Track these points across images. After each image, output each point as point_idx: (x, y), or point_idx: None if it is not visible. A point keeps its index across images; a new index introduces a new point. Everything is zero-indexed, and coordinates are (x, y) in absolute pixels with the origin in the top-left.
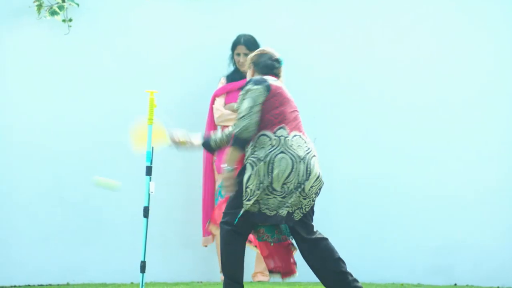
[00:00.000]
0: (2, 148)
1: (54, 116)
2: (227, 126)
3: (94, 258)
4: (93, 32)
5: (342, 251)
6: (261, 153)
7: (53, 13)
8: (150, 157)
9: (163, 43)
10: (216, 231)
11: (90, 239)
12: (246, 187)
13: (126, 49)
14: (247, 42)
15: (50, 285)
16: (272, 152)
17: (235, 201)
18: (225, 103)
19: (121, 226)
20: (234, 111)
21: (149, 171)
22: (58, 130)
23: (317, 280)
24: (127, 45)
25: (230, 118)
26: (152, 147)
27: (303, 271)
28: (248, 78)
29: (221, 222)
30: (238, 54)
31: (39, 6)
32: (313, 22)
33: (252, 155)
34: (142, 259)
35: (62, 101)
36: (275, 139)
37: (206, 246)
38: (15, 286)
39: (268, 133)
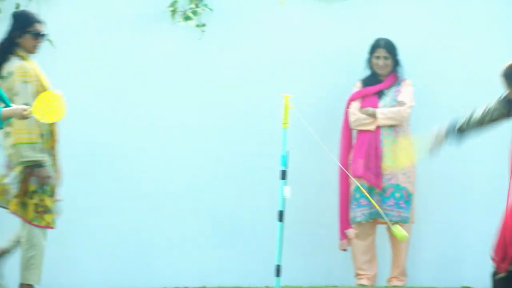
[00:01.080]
0: (140, 150)
1: (188, 119)
2: (363, 131)
3: (229, 262)
4: (226, 36)
5: None
6: None
7: (187, 18)
8: (285, 161)
9: (297, 47)
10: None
11: (226, 242)
12: None
13: (259, 53)
14: (387, 45)
15: (186, 287)
16: None
17: None
18: (361, 107)
19: (256, 229)
20: (370, 115)
21: (283, 175)
22: (192, 134)
23: None
24: (260, 49)
25: (365, 123)
26: (287, 151)
27: None
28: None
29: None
30: (378, 57)
31: (173, 12)
32: (447, 22)
33: None
34: (277, 263)
35: (197, 105)
36: None
37: (345, 250)
38: None
39: None
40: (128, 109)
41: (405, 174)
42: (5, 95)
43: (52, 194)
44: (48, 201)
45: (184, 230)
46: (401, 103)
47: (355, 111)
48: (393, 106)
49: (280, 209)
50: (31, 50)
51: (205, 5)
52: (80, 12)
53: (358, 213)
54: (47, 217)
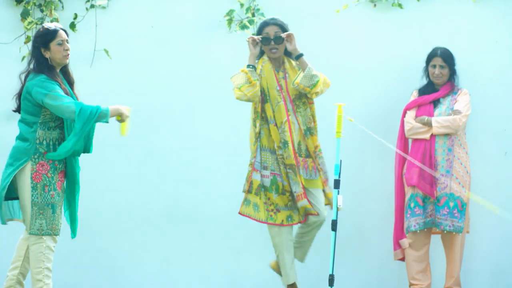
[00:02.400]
0: (200, 156)
1: (244, 126)
2: (418, 140)
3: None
4: None
5: None
6: None
7: (243, 27)
8: (338, 170)
9: (353, 56)
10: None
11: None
12: None
13: (315, 61)
14: (443, 55)
15: None
16: None
17: None
18: (416, 116)
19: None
20: (425, 124)
21: (337, 184)
22: (244, 143)
23: None
24: (316, 58)
25: (420, 131)
26: (340, 160)
27: None
28: None
29: None
30: (434, 66)
31: (230, 21)
32: (505, 31)
33: None
34: (331, 273)
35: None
36: None
37: (402, 260)
38: None
39: None
40: (186, 116)
41: (460, 183)
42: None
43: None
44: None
45: (238, 242)
46: (456, 112)
47: (410, 120)
48: (448, 115)
49: (333, 218)
50: None
51: (262, 14)
52: (137, 22)
53: (412, 222)
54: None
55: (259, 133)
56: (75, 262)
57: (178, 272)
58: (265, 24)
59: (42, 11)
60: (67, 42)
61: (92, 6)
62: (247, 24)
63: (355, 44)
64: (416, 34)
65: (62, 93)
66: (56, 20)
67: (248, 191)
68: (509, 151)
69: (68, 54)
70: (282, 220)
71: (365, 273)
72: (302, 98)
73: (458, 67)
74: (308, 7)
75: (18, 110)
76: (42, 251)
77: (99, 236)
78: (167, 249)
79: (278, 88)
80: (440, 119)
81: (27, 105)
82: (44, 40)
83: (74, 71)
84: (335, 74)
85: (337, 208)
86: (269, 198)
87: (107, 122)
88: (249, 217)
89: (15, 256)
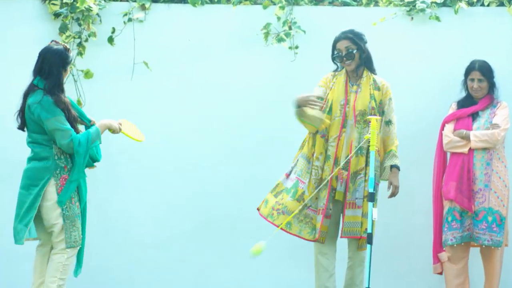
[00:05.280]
0: (230, 172)
1: (284, 139)
2: (456, 153)
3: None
4: (319, 58)
5: None
6: None
7: (280, 40)
8: (373, 183)
9: (391, 68)
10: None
11: (305, 263)
12: None
13: None
14: (482, 68)
15: None
16: None
17: None
18: (454, 129)
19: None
20: (463, 137)
21: (371, 197)
22: (284, 152)
23: None
24: None
25: (459, 145)
26: (375, 173)
27: None
28: None
29: None
30: (472, 80)
31: (267, 34)
32: None
33: None
34: (367, 286)
35: (290, 124)
36: None
37: (440, 273)
38: None
39: None
40: (222, 128)
41: (498, 197)
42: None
43: None
44: None
45: (265, 251)
46: (495, 126)
47: (449, 133)
48: (487, 128)
49: (369, 231)
50: None
51: (298, 27)
52: (174, 34)
53: (449, 236)
54: None
55: (306, 140)
56: (113, 276)
57: (213, 285)
58: (336, 40)
59: (80, 25)
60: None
61: (130, 19)
62: (284, 37)
63: (392, 57)
64: (454, 47)
65: (65, 123)
66: (94, 34)
67: (271, 192)
68: None
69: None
70: (281, 223)
71: (404, 287)
72: (365, 116)
73: (498, 79)
74: (345, 19)
75: (22, 127)
76: (63, 261)
77: (137, 249)
78: (203, 262)
79: (342, 102)
80: (478, 133)
81: (34, 126)
82: (67, 60)
83: (114, 84)
84: None
85: (372, 221)
86: (282, 198)
87: (100, 142)
88: (258, 209)
89: (36, 275)
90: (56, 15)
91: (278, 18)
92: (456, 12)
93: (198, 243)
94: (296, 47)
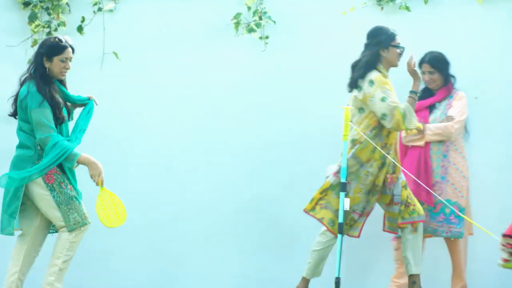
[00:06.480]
0: (210, 163)
1: (252, 130)
2: (413, 146)
3: (287, 274)
4: (289, 48)
5: None
6: None
7: (250, 30)
8: (345, 173)
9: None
10: None
11: (284, 254)
12: None
13: (321, 65)
14: (431, 60)
15: None
16: None
17: None
18: None
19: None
20: (419, 131)
21: (343, 187)
22: (256, 146)
23: None
24: (322, 62)
25: (415, 138)
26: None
27: None
28: None
29: None
30: (424, 72)
31: (237, 24)
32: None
33: None
34: (337, 275)
35: (259, 115)
36: None
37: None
38: None
39: None
40: (191, 120)
41: (456, 189)
42: None
43: None
44: None
45: (245, 242)
46: (449, 118)
47: None
48: (443, 120)
49: (340, 221)
50: None
51: (269, 18)
52: (144, 25)
53: None
54: None
55: (361, 143)
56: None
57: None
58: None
59: (49, 14)
60: (70, 61)
61: (100, 9)
62: (254, 27)
63: (362, 46)
64: (424, 36)
65: (49, 118)
66: (63, 23)
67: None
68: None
69: (66, 72)
70: (323, 217)
71: (371, 275)
72: None
73: (466, 70)
74: (314, 9)
75: (14, 114)
76: (70, 239)
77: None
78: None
79: None
80: (432, 126)
81: (22, 113)
82: (51, 51)
83: (84, 74)
84: (341, 76)
85: (344, 211)
86: (326, 194)
87: (71, 166)
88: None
89: (12, 263)
90: (26, 4)
91: (249, 8)
92: (425, 1)
93: (261, 238)
94: (267, 37)
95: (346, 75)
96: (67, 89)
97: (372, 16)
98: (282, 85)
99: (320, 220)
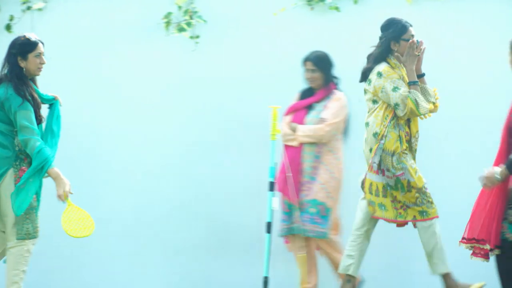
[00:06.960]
0: (134, 160)
1: (182, 130)
2: (289, 146)
3: (220, 273)
4: (220, 48)
5: None
6: None
7: (181, 29)
8: (273, 172)
9: (290, 58)
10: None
11: (217, 254)
12: None
13: (252, 64)
14: (315, 58)
15: None
16: None
17: None
18: (292, 122)
19: (246, 241)
20: (294, 131)
21: (272, 186)
22: (184, 144)
23: None
24: (253, 61)
25: (290, 138)
26: (275, 163)
27: None
28: None
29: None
30: (306, 70)
31: (168, 23)
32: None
33: None
34: (265, 275)
35: (189, 115)
36: None
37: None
38: None
39: None
40: (122, 119)
41: (325, 189)
42: None
43: None
44: None
45: (177, 241)
46: (321, 120)
47: (284, 125)
48: (317, 122)
49: (268, 220)
50: None
51: (199, 17)
52: (74, 23)
53: (280, 227)
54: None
55: (385, 136)
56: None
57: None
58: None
59: None
60: (43, 55)
61: (29, 8)
62: (185, 26)
63: (292, 47)
64: (353, 36)
65: (32, 120)
66: None
67: (369, 193)
68: (466, 152)
69: (42, 67)
70: (414, 216)
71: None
72: None
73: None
74: (245, 9)
75: None
76: (23, 254)
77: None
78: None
79: None
80: (304, 128)
81: (0, 114)
82: (23, 49)
83: None
84: (270, 76)
85: (272, 210)
86: (395, 197)
87: (42, 176)
88: (377, 217)
89: None
90: None
91: (179, 8)
92: (355, 1)
93: (193, 238)
94: (197, 37)
95: (276, 74)
96: (38, 88)
97: (302, 16)
98: (212, 84)
99: (413, 219)
